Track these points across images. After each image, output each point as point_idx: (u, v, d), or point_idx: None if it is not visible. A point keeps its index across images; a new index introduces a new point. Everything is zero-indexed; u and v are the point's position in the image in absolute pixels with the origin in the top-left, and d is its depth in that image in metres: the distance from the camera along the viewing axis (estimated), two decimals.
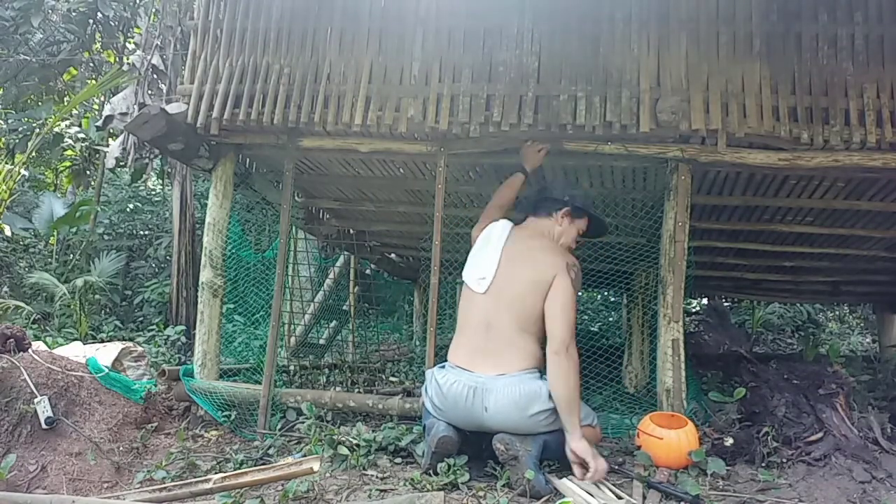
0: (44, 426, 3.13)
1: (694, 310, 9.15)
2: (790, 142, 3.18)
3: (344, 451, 2.83)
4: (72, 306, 7.10)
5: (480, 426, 2.68)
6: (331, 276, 6.19)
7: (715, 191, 3.95)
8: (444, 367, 2.86)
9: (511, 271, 2.86)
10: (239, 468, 2.84)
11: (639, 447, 2.84)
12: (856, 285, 6.04)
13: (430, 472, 2.63)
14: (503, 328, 2.76)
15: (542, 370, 2.74)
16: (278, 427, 3.38)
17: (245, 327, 5.30)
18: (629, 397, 3.96)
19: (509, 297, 2.80)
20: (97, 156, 9.14)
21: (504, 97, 3.34)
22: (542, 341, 2.77)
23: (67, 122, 9.13)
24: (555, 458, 2.68)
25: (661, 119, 3.20)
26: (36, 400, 3.16)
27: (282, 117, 3.49)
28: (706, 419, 3.32)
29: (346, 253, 5.96)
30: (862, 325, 10.10)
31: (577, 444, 2.56)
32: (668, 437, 2.77)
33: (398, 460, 2.88)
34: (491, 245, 2.98)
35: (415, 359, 5.84)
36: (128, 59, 6.40)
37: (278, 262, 3.74)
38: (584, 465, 2.54)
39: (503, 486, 2.51)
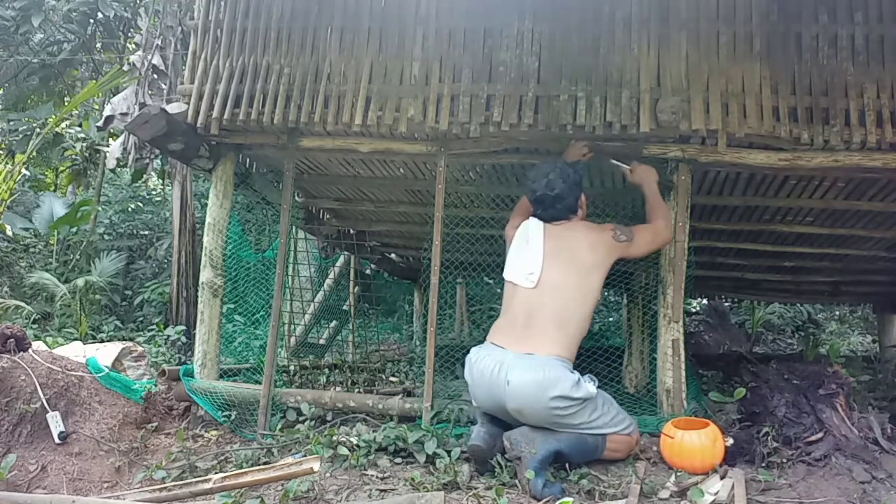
0: (57, 441, 3.12)
1: (694, 310, 9.14)
2: (790, 142, 3.18)
3: (344, 451, 2.83)
4: (72, 306, 7.11)
5: (503, 406, 2.71)
6: (331, 276, 6.19)
7: (715, 191, 3.95)
8: (482, 345, 2.95)
9: (554, 266, 2.94)
10: (239, 468, 2.84)
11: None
12: (856, 285, 6.03)
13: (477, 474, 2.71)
14: (544, 319, 2.85)
15: (573, 363, 2.83)
16: (278, 427, 3.38)
17: (245, 327, 5.29)
18: (629, 397, 3.95)
19: (554, 292, 2.89)
20: (97, 156, 9.15)
21: (504, 97, 3.34)
22: (580, 339, 2.89)
23: (68, 123, 9.13)
24: (573, 464, 2.68)
25: (661, 119, 3.20)
26: (49, 415, 3.17)
27: (282, 117, 3.49)
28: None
29: (346, 253, 5.96)
30: (862, 325, 10.08)
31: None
32: (682, 438, 2.71)
33: (398, 460, 2.89)
34: (532, 242, 3.04)
35: (415, 359, 5.83)
36: (128, 59, 6.41)
37: (278, 262, 3.74)
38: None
39: (504, 483, 2.51)
